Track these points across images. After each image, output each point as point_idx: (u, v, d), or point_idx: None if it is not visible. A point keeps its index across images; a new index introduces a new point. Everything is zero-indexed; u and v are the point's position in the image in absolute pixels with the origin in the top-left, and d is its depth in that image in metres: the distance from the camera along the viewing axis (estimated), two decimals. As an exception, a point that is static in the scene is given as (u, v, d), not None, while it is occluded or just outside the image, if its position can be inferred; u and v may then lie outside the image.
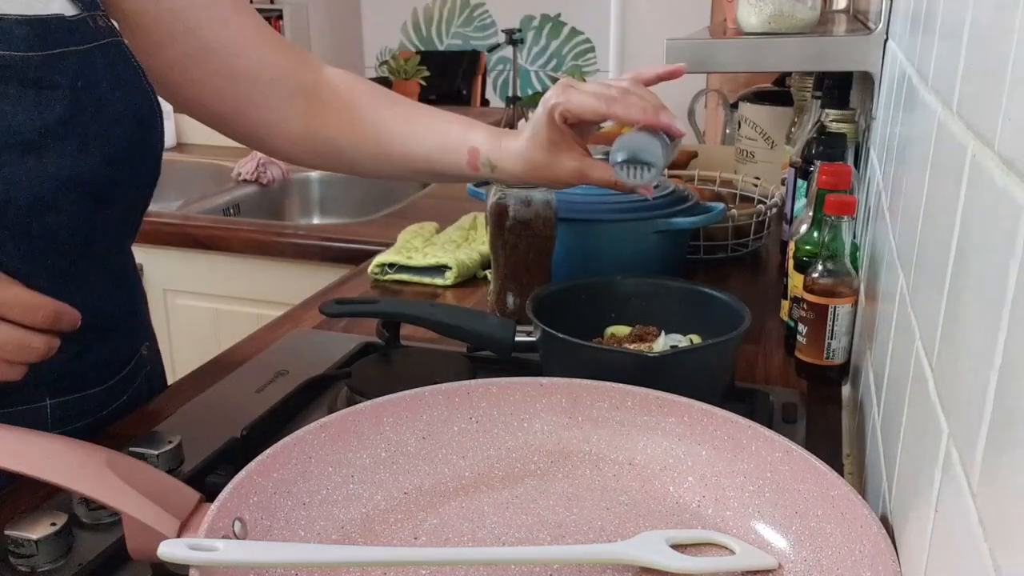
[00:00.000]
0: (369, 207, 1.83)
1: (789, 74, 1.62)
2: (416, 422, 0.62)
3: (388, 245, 1.29)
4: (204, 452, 0.70)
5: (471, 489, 0.60)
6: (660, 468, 0.61)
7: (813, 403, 0.83)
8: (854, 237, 0.86)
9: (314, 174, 2.02)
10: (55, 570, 0.58)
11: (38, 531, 0.58)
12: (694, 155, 1.74)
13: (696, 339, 0.81)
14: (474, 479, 0.61)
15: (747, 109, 1.63)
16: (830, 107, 1.15)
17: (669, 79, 0.76)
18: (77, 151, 0.67)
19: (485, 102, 4.40)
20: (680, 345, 0.79)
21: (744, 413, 0.60)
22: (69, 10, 0.68)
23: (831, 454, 0.72)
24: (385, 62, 2.58)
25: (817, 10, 1.04)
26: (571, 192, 1.05)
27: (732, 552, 0.53)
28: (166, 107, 0.77)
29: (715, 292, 0.81)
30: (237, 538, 0.49)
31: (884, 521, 0.50)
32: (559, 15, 4.56)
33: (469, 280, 1.20)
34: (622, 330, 0.84)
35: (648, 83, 0.75)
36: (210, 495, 0.52)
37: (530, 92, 4.34)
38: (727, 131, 1.96)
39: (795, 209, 1.17)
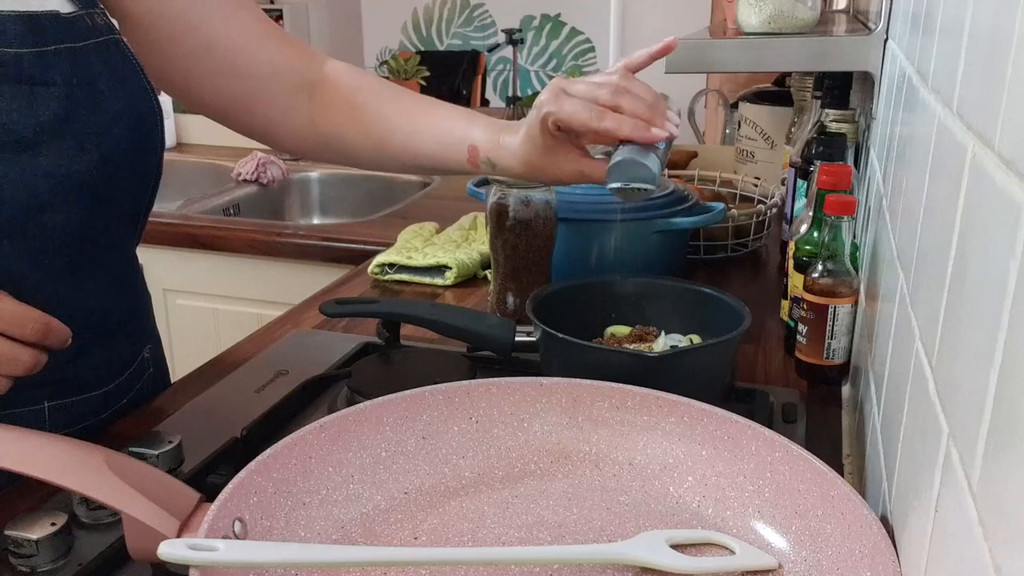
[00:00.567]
0: (369, 207, 1.83)
1: (789, 74, 1.62)
2: (416, 422, 0.62)
3: (388, 245, 1.29)
4: (204, 452, 0.70)
5: (471, 489, 0.60)
6: (660, 468, 0.61)
7: (813, 403, 0.83)
8: (854, 237, 0.86)
9: (314, 174, 2.02)
10: (55, 570, 0.58)
11: (38, 531, 0.58)
12: (694, 155, 1.74)
13: (696, 339, 0.81)
14: (474, 479, 0.61)
15: (747, 109, 1.63)
16: (830, 107, 1.16)
17: (662, 56, 0.74)
18: (73, 149, 0.66)
19: (485, 102, 4.40)
20: (680, 345, 0.79)
21: (744, 413, 0.60)
22: (66, 7, 0.68)
23: (831, 454, 0.72)
24: (385, 62, 2.58)
25: (817, 10, 1.04)
26: (571, 192, 1.05)
27: (732, 552, 0.53)
28: (166, 107, 0.77)
29: (715, 292, 0.81)
30: (237, 538, 0.49)
31: (884, 521, 0.50)
32: (559, 15, 4.56)
33: (469, 280, 1.20)
34: (622, 330, 0.84)
35: (639, 67, 0.73)
36: (210, 495, 0.52)
37: (530, 92, 4.34)
38: (727, 131, 1.96)
39: (795, 209, 1.17)
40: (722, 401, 0.63)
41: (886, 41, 0.93)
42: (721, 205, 1.08)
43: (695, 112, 2.04)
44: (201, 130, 2.27)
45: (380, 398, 0.61)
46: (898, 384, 0.51)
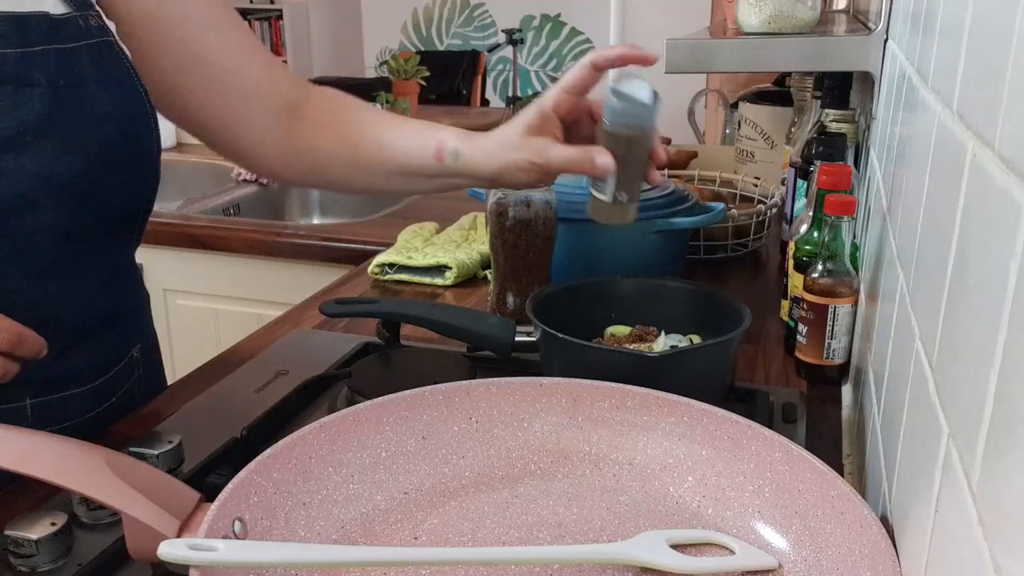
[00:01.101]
0: (369, 207, 1.83)
1: (789, 74, 1.62)
2: (416, 422, 0.62)
3: (388, 245, 1.29)
4: (204, 452, 0.70)
5: (471, 489, 0.60)
6: (660, 468, 0.61)
7: (813, 403, 0.83)
8: (854, 237, 0.86)
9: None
10: (55, 570, 0.58)
11: (38, 531, 0.58)
12: (694, 155, 1.74)
13: (696, 339, 0.81)
14: (474, 479, 0.61)
15: (747, 109, 1.63)
16: (830, 107, 1.16)
17: (636, 63, 0.72)
18: (58, 150, 0.66)
19: (485, 102, 4.40)
20: (680, 345, 0.79)
21: (744, 413, 0.60)
22: (58, 8, 0.68)
23: (831, 454, 0.72)
24: (385, 62, 2.58)
25: (817, 10, 1.04)
26: (571, 192, 1.05)
27: (732, 552, 0.53)
28: (166, 108, 0.77)
29: (715, 292, 0.81)
30: (237, 538, 0.49)
31: (884, 521, 0.50)
32: (559, 15, 4.57)
33: (469, 280, 1.20)
34: (622, 330, 0.84)
35: (605, 66, 0.73)
36: (210, 495, 0.52)
37: (530, 92, 4.34)
38: (727, 131, 1.96)
39: (795, 209, 1.17)
40: (722, 401, 0.64)
41: (886, 41, 0.93)
42: (721, 205, 1.08)
43: (695, 112, 2.04)
44: (201, 130, 2.26)
45: (380, 398, 0.61)
46: (898, 384, 0.51)
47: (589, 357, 0.72)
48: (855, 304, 0.84)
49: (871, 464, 0.61)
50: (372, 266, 1.21)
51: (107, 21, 0.73)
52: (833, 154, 1.02)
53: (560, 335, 0.72)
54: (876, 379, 0.64)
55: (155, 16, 0.75)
